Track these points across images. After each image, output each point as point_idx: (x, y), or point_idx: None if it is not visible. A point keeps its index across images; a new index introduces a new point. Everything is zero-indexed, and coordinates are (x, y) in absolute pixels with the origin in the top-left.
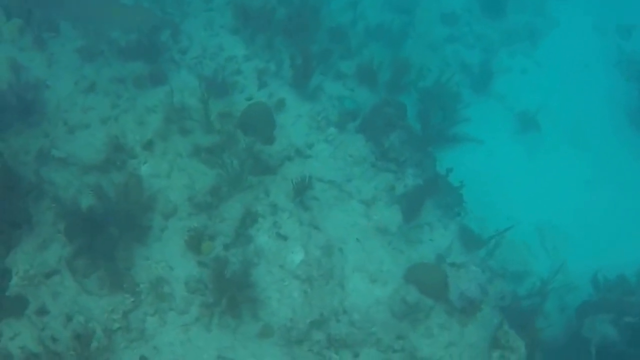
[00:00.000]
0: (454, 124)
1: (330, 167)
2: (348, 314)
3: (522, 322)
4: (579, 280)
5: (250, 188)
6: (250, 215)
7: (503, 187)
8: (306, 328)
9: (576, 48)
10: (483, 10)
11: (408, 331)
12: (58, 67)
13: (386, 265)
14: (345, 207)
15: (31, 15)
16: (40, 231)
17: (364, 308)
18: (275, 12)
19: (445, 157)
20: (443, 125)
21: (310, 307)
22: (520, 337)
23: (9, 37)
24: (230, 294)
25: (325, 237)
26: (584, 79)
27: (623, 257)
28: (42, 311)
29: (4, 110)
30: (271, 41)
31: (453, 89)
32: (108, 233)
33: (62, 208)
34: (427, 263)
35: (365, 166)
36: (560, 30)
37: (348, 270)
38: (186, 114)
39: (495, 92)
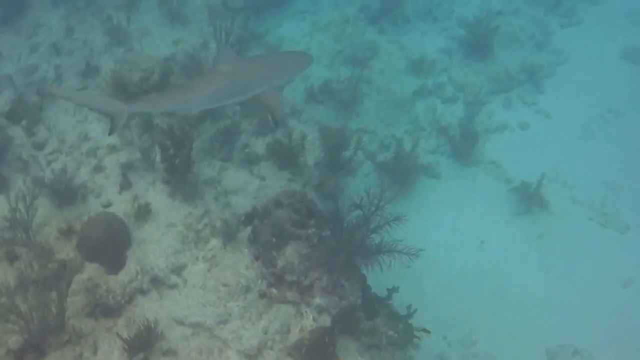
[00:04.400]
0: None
1: (201, 302)
2: None
3: None
4: None
5: (72, 343)
6: None
7: (498, 296)
8: None
9: (598, 86)
10: (465, 52)
11: None
12: None
13: None
14: None
15: None
16: None
17: None
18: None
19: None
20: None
21: None
22: None
23: None
24: None
25: None
26: (612, 128)
27: None
28: None
29: None
30: (151, 121)
31: (419, 160)
32: None
33: None
34: None
35: (251, 298)
36: (574, 65)
37: None
38: (18, 233)
39: (485, 158)
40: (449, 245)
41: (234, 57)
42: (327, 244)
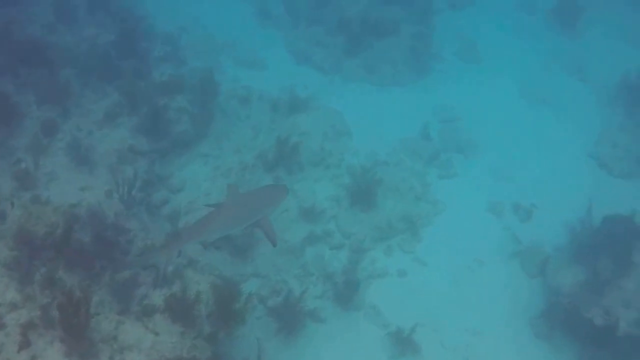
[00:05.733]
0: None
1: None
2: None
3: None
4: None
5: None
6: None
7: None
8: None
9: (466, 236)
10: (352, 201)
11: None
12: None
13: None
14: None
15: None
16: None
17: None
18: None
19: None
20: None
21: None
22: None
23: None
24: None
25: None
26: (477, 277)
27: None
28: None
29: None
30: (53, 276)
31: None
32: None
33: None
34: None
35: None
36: (448, 215)
37: None
38: None
39: (366, 304)
40: None
41: (237, 194)
42: None
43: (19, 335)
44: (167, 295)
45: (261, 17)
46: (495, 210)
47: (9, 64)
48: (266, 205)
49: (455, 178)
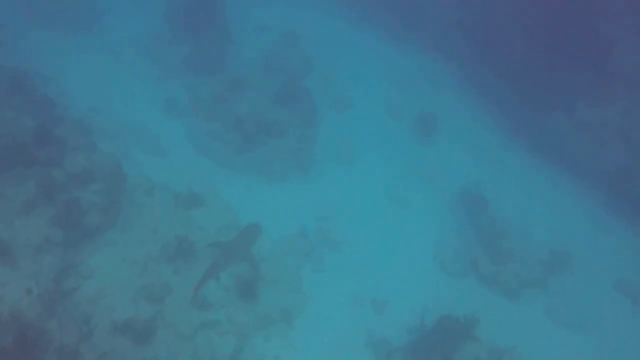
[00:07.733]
0: None
1: None
2: None
3: None
4: None
5: None
6: None
7: None
8: None
9: (331, 324)
10: (238, 293)
11: None
12: None
13: None
14: None
15: None
16: None
17: None
18: None
19: None
20: None
21: None
22: None
23: None
24: None
25: None
26: None
27: None
28: None
29: None
30: None
31: None
32: None
33: None
34: None
35: None
36: (317, 306)
37: None
38: None
39: None
40: None
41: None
42: None
43: None
44: None
45: (167, 107)
46: (356, 302)
47: None
48: (249, 243)
49: (325, 272)
